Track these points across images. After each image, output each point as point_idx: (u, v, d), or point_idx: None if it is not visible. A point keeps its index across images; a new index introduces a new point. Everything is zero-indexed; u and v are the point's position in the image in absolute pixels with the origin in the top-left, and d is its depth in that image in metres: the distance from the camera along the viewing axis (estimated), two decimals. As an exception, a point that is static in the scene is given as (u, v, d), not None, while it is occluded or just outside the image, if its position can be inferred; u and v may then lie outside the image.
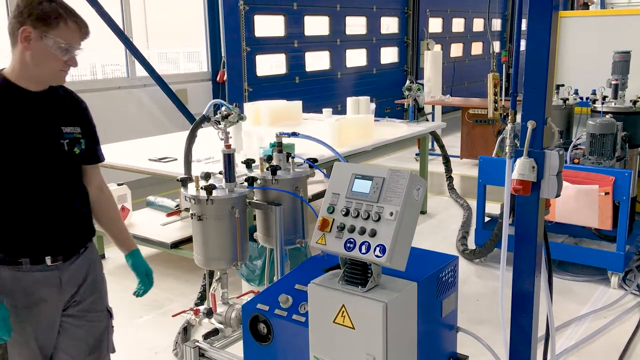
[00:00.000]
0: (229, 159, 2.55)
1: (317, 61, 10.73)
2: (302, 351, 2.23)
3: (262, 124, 5.92)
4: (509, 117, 2.45)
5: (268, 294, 2.45)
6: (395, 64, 12.68)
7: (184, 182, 2.65)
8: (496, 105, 5.39)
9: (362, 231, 2.04)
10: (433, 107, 9.24)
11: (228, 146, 2.58)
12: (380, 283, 2.13)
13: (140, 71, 7.50)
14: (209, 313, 2.66)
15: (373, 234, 2.02)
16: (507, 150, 2.44)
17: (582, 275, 4.54)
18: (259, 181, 2.67)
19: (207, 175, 2.60)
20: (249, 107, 6.12)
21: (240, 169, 2.79)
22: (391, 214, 2.02)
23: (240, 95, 8.56)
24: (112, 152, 4.64)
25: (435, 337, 2.36)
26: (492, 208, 5.28)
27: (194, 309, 2.75)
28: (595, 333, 3.72)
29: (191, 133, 3.79)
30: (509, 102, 7.43)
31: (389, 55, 12.55)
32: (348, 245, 2.06)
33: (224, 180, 2.58)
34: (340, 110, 8.78)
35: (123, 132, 6.30)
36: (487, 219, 5.04)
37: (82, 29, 2.03)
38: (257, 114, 6.00)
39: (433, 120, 8.70)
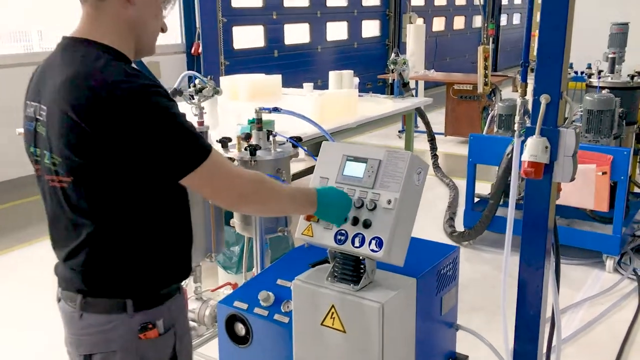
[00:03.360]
0: (200, 138, 2.25)
1: (296, 34, 10.36)
2: (285, 356, 1.97)
3: (240, 99, 5.60)
4: (520, 90, 2.17)
5: (247, 290, 2.18)
6: (377, 37, 12.36)
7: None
8: (486, 80, 5.14)
9: (355, 221, 1.78)
10: (416, 82, 8.97)
11: (200, 123, 2.27)
12: (375, 279, 1.87)
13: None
14: (181, 310, 2.38)
15: (368, 224, 1.76)
16: (515, 128, 2.17)
17: (575, 259, 4.35)
18: (236, 162, 2.37)
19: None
20: (225, 81, 5.79)
21: (217, 148, 2.50)
22: (389, 201, 1.76)
23: (216, 69, 8.19)
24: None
25: (434, 336, 2.12)
26: (481, 188, 5.05)
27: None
28: (593, 321, 3.54)
29: (161, 108, 3.45)
30: (497, 77, 7.17)
31: (371, 28, 12.22)
32: (339, 237, 1.81)
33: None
34: (321, 85, 8.47)
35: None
36: (476, 199, 4.82)
37: None
38: (235, 88, 5.68)
39: (416, 96, 8.43)
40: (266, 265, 2.43)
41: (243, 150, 2.38)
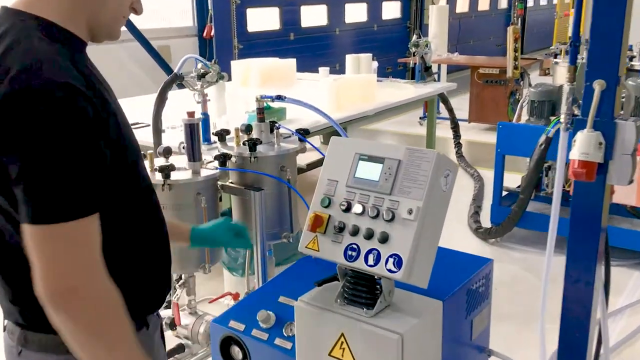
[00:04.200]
0: (191, 131, 1.94)
1: (313, 16, 9.98)
2: (288, 388, 1.69)
3: (251, 84, 5.29)
4: (568, 75, 1.83)
5: (244, 308, 1.89)
6: (398, 19, 11.91)
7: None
8: (516, 63, 4.74)
9: (370, 234, 1.47)
10: (439, 66, 8.56)
11: (191, 114, 1.97)
12: (392, 302, 1.57)
13: (118, 25, 6.77)
14: (172, 325, 2.10)
15: (384, 238, 1.45)
16: (562, 119, 1.83)
17: (613, 259, 3.98)
18: (234, 159, 2.07)
19: (166, 151, 2.00)
20: (236, 65, 5.49)
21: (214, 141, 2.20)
22: (410, 211, 1.44)
23: (229, 52, 7.89)
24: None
25: (462, 365, 1.81)
26: (509, 180, 4.68)
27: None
28: (638, 331, 3.19)
29: (160, 95, 3.17)
30: (524, 60, 6.74)
31: (391, 10, 11.77)
32: (349, 253, 1.50)
33: (186, 159, 1.97)
34: (339, 69, 8.11)
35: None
36: (504, 193, 4.47)
37: None
38: (246, 73, 5.37)
39: (438, 80, 8.03)
40: (269, 274, 2.14)
41: (242, 144, 2.07)
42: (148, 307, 1.29)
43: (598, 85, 1.68)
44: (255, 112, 3.67)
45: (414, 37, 5.60)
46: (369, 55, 5.41)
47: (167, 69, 6.91)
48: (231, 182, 2.11)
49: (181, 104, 3.91)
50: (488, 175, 5.65)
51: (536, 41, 16.18)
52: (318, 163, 4.74)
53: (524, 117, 4.40)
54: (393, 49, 11.17)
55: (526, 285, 3.73)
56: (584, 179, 1.69)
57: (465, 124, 7.67)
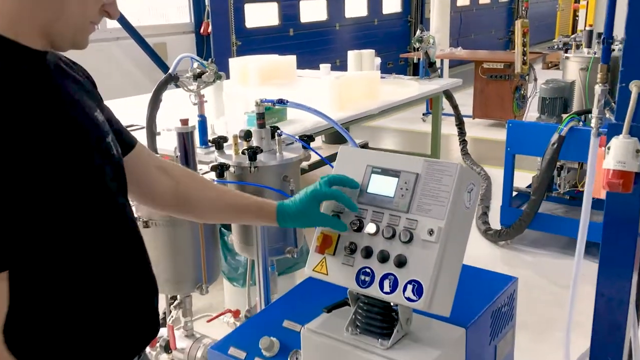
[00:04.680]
0: (184, 141, 1.77)
1: (313, 11, 9.79)
2: None
3: (251, 83, 5.12)
4: (600, 75, 1.66)
5: (245, 333, 1.73)
6: (399, 13, 11.71)
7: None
8: (525, 58, 4.57)
9: (385, 257, 1.31)
10: (442, 61, 8.38)
11: (184, 121, 1.80)
12: (410, 330, 1.41)
13: (112, 22, 6.59)
14: (167, 348, 1.94)
15: (402, 262, 1.29)
16: (592, 124, 1.67)
17: None
18: (232, 169, 1.90)
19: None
20: (234, 63, 5.31)
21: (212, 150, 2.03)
22: (430, 232, 1.28)
23: (227, 49, 7.69)
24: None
25: (484, 395, 1.65)
26: (517, 178, 4.51)
27: (150, 339, 2.02)
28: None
29: (154, 97, 2.99)
30: (530, 55, 6.56)
31: (391, 4, 11.57)
32: (362, 277, 1.34)
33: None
34: (340, 65, 7.93)
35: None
36: (514, 193, 4.30)
37: None
38: (244, 71, 5.19)
39: (442, 76, 7.86)
40: (272, 291, 1.98)
41: (241, 153, 1.90)
42: (128, 352, 1.13)
43: (635, 87, 1.51)
44: (255, 113, 3.51)
45: (418, 32, 5.42)
46: (372, 51, 5.23)
47: (163, 67, 6.73)
48: (230, 194, 1.94)
49: (178, 103, 3.75)
50: (495, 173, 5.48)
51: (537, 34, 15.97)
52: (321, 163, 4.55)
53: (532, 114, 4.24)
54: (394, 43, 10.99)
55: (539, 291, 3.57)
56: (619, 190, 1.53)
57: (469, 120, 7.50)
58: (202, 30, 7.67)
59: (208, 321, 2.13)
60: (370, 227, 1.35)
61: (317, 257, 1.41)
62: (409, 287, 1.28)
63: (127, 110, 4.56)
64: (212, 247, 1.88)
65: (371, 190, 1.38)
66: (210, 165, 1.85)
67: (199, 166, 1.93)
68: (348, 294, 1.45)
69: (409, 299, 1.28)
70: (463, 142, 6.24)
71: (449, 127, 6.60)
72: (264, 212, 1.42)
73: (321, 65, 5.27)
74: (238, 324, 2.18)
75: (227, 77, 5.25)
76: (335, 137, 5.51)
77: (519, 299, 3.58)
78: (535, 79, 6.12)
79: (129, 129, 4.08)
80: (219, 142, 1.96)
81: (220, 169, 1.81)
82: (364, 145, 6.04)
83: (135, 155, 1.36)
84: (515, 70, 5.01)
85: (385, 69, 8.57)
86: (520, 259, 4.04)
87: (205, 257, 1.81)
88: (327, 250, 1.40)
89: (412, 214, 1.32)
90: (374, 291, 1.32)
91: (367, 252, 1.34)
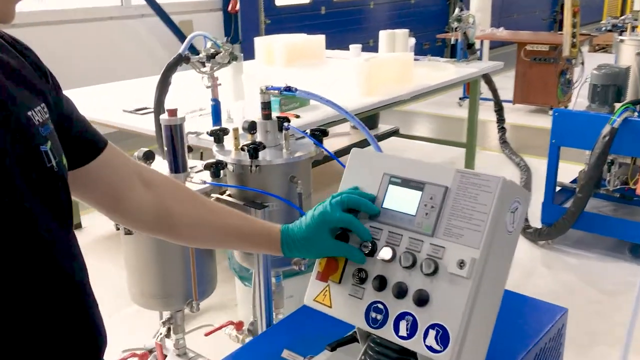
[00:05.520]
0: (172, 135, 1.51)
1: (346, -11, 9.43)
2: None
3: (277, 63, 4.84)
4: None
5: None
6: (437, -9, 11.22)
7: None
8: (574, 40, 4.17)
9: (402, 292, 1.04)
10: (481, 42, 7.94)
11: (172, 112, 1.53)
12: (432, 377, 1.14)
13: (138, -1, 6.41)
14: (157, 368, 1.71)
15: (423, 300, 1.02)
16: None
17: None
18: (230, 167, 1.64)
19: (148, 155, 1.58)
20: (260, 42, 5.04)
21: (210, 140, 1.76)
22: (461, 264, 1.00)
23: (256, 28, 7.45)
24: (86, 98, 3.62)
25: None
26: (563, 171, 4.12)
27: (139, 353, 1.80)
28: None
29: (162, 79, 2.74)
30: (582, 36, 6.09)
31: (430, -19, 11.08)
32: (373, 315, 1.08)
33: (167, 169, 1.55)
34: (373, 46, 7.58)
35: (116, 71, 5.28)
36: (557, 188, 3.94)
37: None
38: (270, 51, 4.91)
39: (481, 58, 7.42)
40: (278, 306, 1.72)
41: (240, 150, 1.63)
42: None
43: None
44: (278, 98, 3.21)
45: (457, 11, 5.05)
46: (406, 31, 4.87)
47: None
48: (229, 195, 1.68)
49: (192, 85, 3.50)
50: (535, 164, 5.11)
51: (583, 15, 15.20)
52: (340, 153, 4.05)
53: (580, 100, 3.85)
54: (431, 23, 10.53)
55: (583, 298, 3.24)
56: None
57: (509, 105, 7.08)
58: (230, 8, 7.40)
59: (206, 334, 1.89)
60: (385, 252, 1.07)
61: (318, 285, 1.15)
62: (431, 332, 1.01)
63: (145, 91, 4.34)
64: (205, 256, 1.63)
65: (388, 206, 1.11)
66: (204, 164, 1.59)
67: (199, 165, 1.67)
68: (357, 330, 1.19)
69: (430, 348, 1.01)
70: (502, 130, 5.87)
71: (487, 113, 6.22)
72: (271, 239, 1.15)
73: (351, 46, 4.95)
74: (241, 336, 1.95)
75: (253, 56, 5.00)
76: (366, 121, 5.21)
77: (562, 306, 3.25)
78: (582, 63, 5.68)
79: (141, 112, 3.79)
80: (219, 135, 1.69)
81: (215, 168, 1.55)
82: (395, 132, 5.71)
83: (103, 161, 1.08)
84: (562, 53, 4.60)
85: (421, 51, 8.17)
86: (563, 261, 3.69)
87: (195, 274, 1.56)
88: (331, 277, 1.14)
89: (439, 238, 1.04)
90: (387, 333, 1.06)
91: (381, 283, 1.07)
